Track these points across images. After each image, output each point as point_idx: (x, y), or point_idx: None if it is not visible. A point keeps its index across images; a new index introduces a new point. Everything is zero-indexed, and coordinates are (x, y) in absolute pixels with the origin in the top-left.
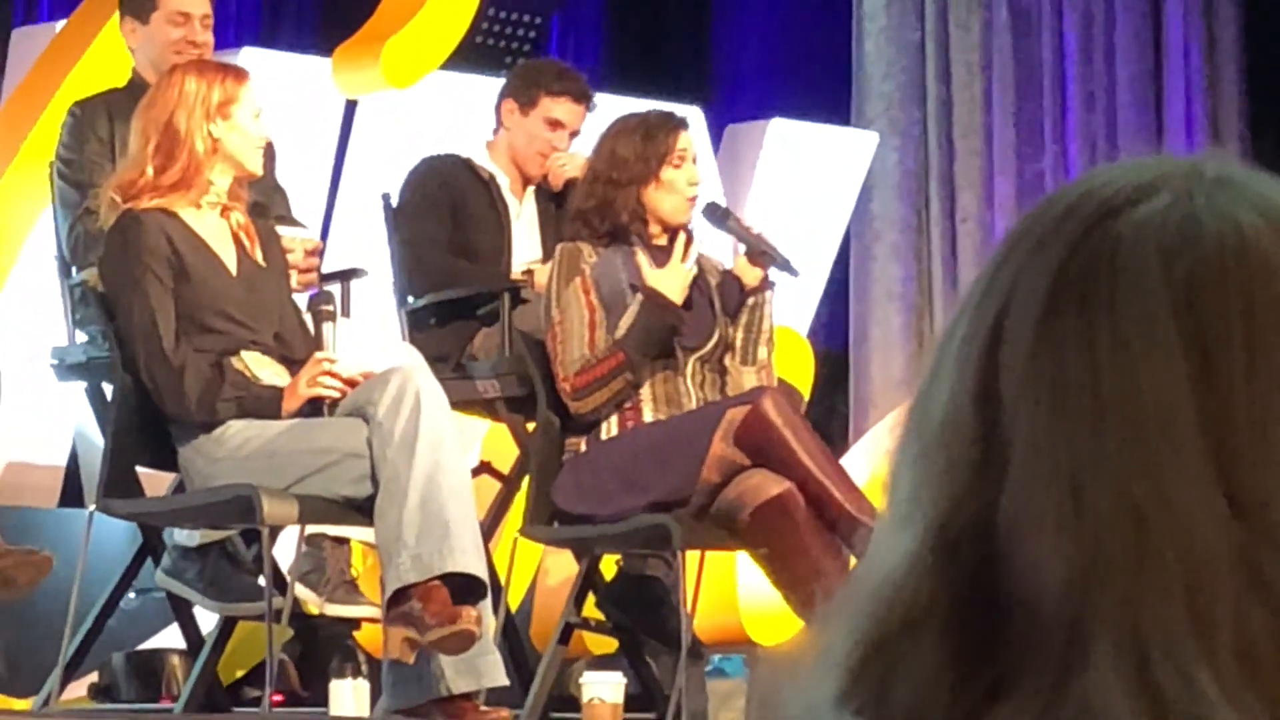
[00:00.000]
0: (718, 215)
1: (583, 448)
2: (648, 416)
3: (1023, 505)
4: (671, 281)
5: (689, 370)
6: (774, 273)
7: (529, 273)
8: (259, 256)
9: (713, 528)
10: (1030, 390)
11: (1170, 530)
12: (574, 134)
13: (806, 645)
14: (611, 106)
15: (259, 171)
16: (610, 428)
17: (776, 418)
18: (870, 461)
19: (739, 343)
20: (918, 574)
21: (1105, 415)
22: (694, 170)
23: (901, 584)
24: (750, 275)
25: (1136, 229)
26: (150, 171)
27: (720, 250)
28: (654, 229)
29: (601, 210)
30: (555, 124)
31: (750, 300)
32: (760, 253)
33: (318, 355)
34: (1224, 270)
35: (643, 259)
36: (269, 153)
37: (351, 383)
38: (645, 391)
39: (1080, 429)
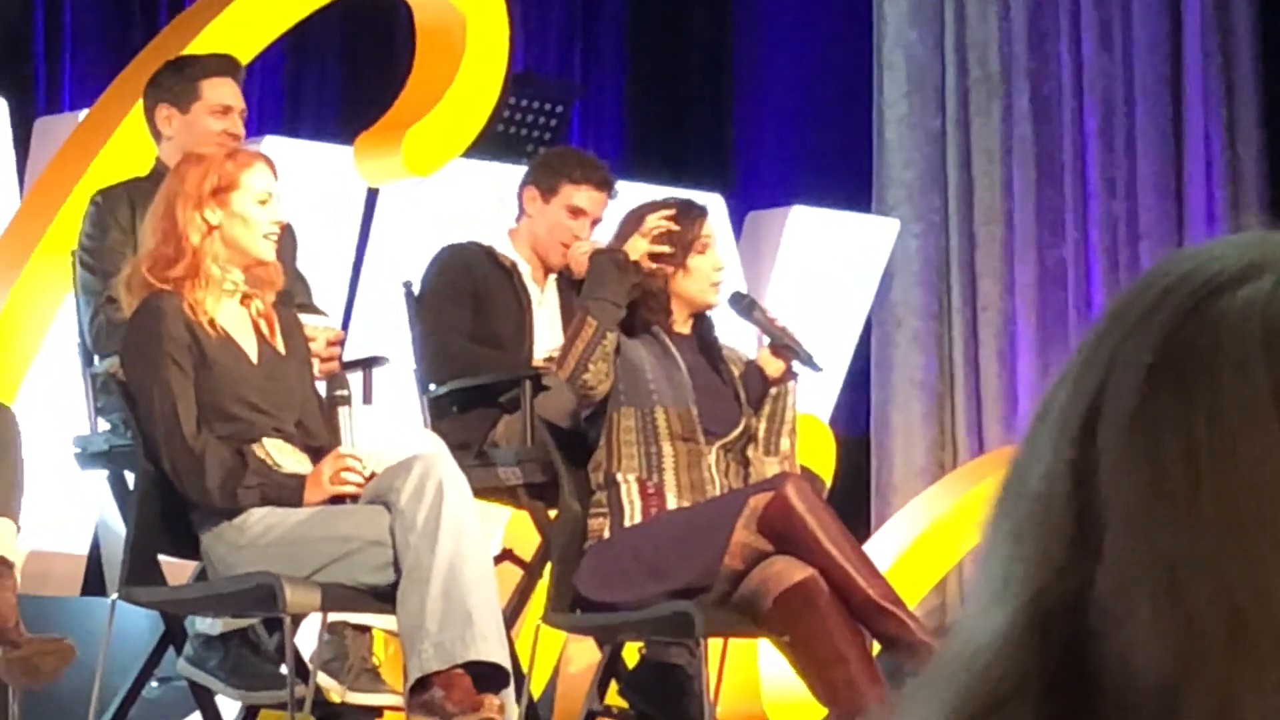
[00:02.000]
0: (743, 305)
1: (606, 534)
2: (671, 503)
3: (1118, 587)
4: (635, 245)
5: (713, 457)
6: (796, 364)
7: (551, 360)
8: (280, 344)
9: (735, 614)
10: (1126, 471)
11: (1267, 624)
12: (595, 222)
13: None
14: (633, 194)
15: (269, 258)
16: (634, 514)
17: (799, 504)
18: (893, 548)
19: (762, 433)
20: (1009, 650)
21: (1202, 501)
22: (717, 256)
23: (993, 659)
24: (773, 367)
25: (1239, 311)
26: (169, 268)
27: (744, 340)
28: (677, 316)
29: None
30: (577, 212)
31: (773, 391)
32: (783, 345)
33: (339, 450)
34: None
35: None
36: (291, 240)
37: (372, 476)
38: (670, 478)
39: (1177, 513)
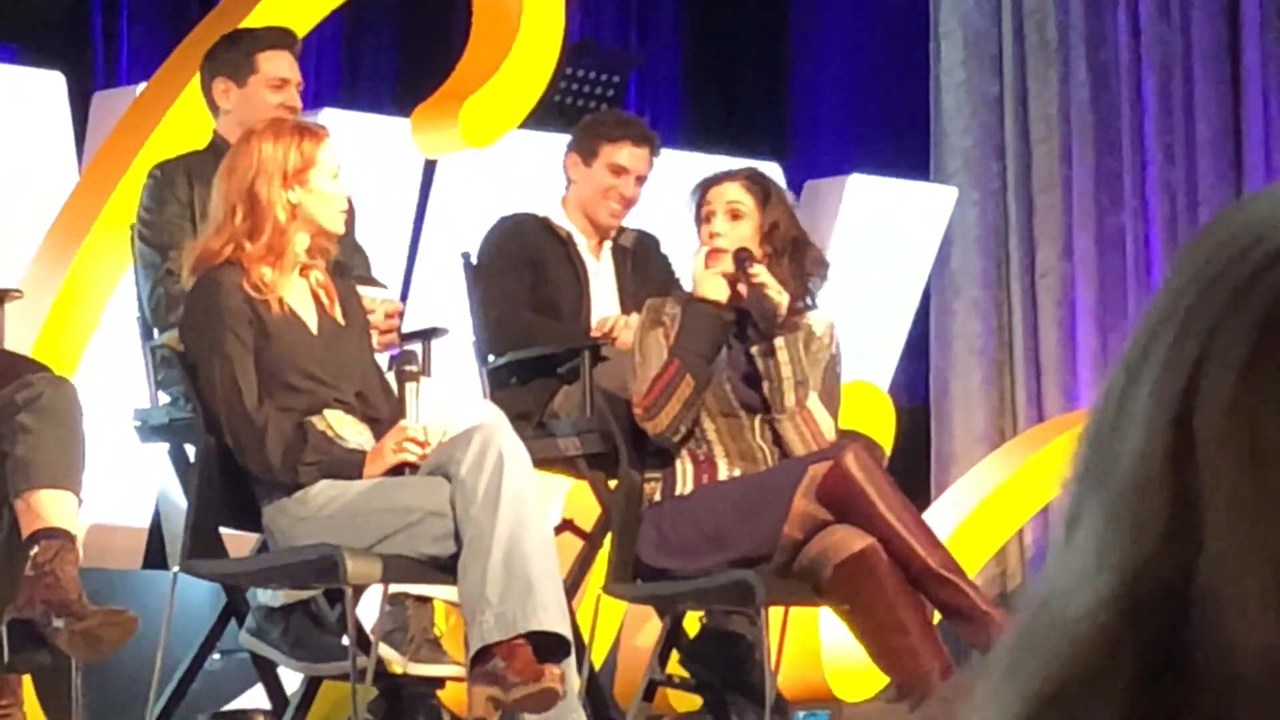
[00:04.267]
0: (741, 259)
1: (657, 496)
2: (722, 472)
3: (1221, 578)
4: (712, 282)
5: (756, 428)
6: (834, 328)
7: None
8: (339, 315)
9: (796, 583)
10: (1228, 457)
11: None
12: (640, 179)
13: (964, 698)
14: (691, 164)
15: (339, 230)
16: (685, 482)
17: (859, 473)
18: (953, 516)
19: (767, 392)
20: (1099, 632)
21: None
22: (723, 224)
23: (1080, 641)
24: (712, 286)
25: None
26: (247, 245)
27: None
28: None
29: None
30: (619, 170)
31: (753, 349)
32: (760, 312)
33: (402, 424)
34: None
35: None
36: (349, 212)
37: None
38: (718, 447)
39: None
